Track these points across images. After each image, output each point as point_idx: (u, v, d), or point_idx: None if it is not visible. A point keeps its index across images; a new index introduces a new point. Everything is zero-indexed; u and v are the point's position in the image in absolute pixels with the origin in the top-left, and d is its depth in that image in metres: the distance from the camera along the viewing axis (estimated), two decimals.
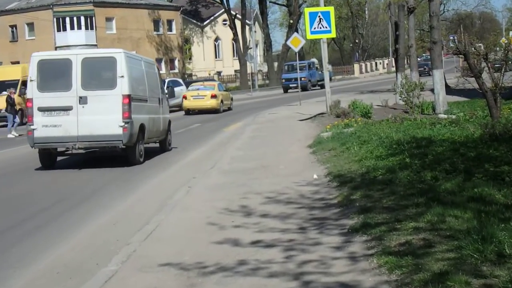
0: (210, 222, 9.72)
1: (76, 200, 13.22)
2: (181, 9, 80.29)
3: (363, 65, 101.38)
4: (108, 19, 68.53)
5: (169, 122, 21.62)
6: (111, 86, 16.97)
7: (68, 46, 64.67)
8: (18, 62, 60.37)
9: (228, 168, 15.42)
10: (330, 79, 68.78)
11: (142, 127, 18.03)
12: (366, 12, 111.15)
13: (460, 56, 19.85)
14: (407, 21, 33.69)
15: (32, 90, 17.12)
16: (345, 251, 7.47)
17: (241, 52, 75.30)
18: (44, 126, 16.94)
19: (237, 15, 79.43)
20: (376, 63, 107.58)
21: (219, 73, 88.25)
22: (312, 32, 26.92)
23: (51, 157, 18.02)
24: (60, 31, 65.90)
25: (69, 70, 17.02)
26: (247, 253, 7.84)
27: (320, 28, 26.64)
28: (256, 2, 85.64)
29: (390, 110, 27.25)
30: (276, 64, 79.05)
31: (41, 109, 17.00)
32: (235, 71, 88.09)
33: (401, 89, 24.36)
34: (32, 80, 17.14)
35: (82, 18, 65.68)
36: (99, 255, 8.75)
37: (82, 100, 16.91)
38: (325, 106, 28.17)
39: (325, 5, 28.74)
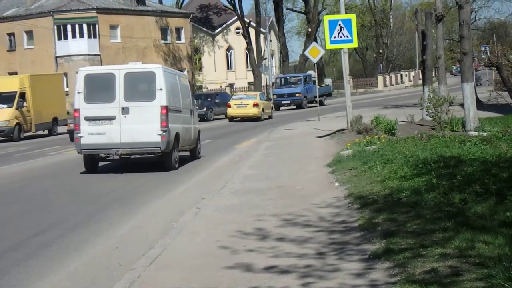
0: (221, 246, 9.75)
1: (73, 223, 13.29)
2: (191, 16, 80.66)
3: (387, 77, 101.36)
4: (112, 27, 68.93)
5: (199, 132, 24.52)
6: (150, 98, 19.96)
7: (69, 56, 65.16)
8: (15, 73, 60.87)
9: (240, 188, 15.46)
10: (330, 94, 68.60)
11: (177, 135, 20.90)
12: (391, 20, 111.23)
13: (493, 68, 19.86)
14: (435, 30, 33.74)
15: (79, 102, 20.12)
16: (366, 278, 7.48)
17: (255, 63, 75.49)
18: (90, 134, 19.97)
19: (251, 23, 79.66)
20: (401, 75, 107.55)
21: (231, 85, 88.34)
22: (332, 42, 26.97)
23: (94, 162, 21.01)
24: (61, 39, 66.31)
25: (113, 83, 20.00)
26: (260, 280, 7.86)
27: (341, 37, 26.69)
28: (272, 9, 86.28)
29: (416, 126, 27.23)
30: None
31: (87, 119, 20.02)
32: (249, 83, 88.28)
33: (428, 104, 24.37)
34: (79, 93, 20.15)
35: (85, 26, 66.09)
36: (100, 282, 8.80)
37: (124, 110, 19.90)
38: (345, 122, 28.18)
39: (346, 12, 28.91)
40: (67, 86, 61.65)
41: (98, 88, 20.22)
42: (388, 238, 8.86)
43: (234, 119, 46.88)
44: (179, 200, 15.18)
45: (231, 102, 47.63)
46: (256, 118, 46.08)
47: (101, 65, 64.13)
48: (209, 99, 52.54)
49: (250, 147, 26.58)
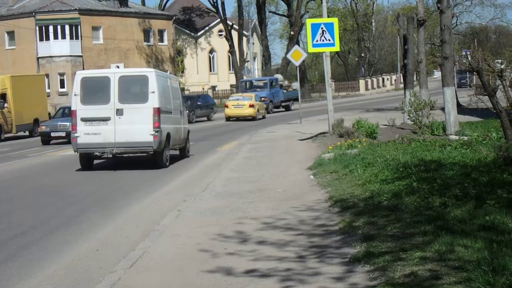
0: (202, 249, 9.74)
1: (53, 225, 13.23)
2: (174, 18, 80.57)
3: (369, 81, 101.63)
4: (95, 28, 68.70)
5: (188, 131, 25.78)
6: (143, 100, 21.24)
7: (51, 57, 64.89)
8: None
9: (221, 191, 15.45)
10: (297, 99, 66.87)
11: (168, 135, 22.19)
12: (373, 24, 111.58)
13: (474, 72, 19.97)
14: (417, 35, 33.88)
15: (76, 103, 21.40)
16: (347, 282, 7.50)
17: (238, 65, 75.54)
18: (86, 134, 21.22)
19: (234, 25, 79.68)
20: (383, 79, 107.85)
21: (213, 87, 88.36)
22: (314, 45, 27.01)
23: (89, 160, 22.22)
24: (42, 40, 65.98)
25: (108, 86, 21.29)
26: (240, 283, 7.86)
27: (323, 40, 26.74)
28: (255, 11, 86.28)
29: (397, 130, 27.34)
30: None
31: (84, 119, 21.24)
32: (231, 85, 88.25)
33: (410, 108, 24.47)
34: (76, 95, 21.45)
35: (67, 27, 65.79)
36: (80, 284, 8.76)
37: (119, 112, 21.18)
38: (327, 125, 28.24)
39: (328, 16, 28.93)
40: (49, 88, 61.41)
41: (94, 90, 21.44)
42: (368, 241, 8.88)
43: (230, 119, 49.41)
44: (161, 202, 15.15)
45: (228, 103, 50.27)
46: (252, 118, 48.58)
47: (83, 66, 64.02)
48: (190, 101, 52.46)
49: (231, 150, 26.58)
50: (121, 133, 21.11)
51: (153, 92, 21.22)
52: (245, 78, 70.87)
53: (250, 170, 19.15)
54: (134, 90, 21.65)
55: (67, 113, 35.81)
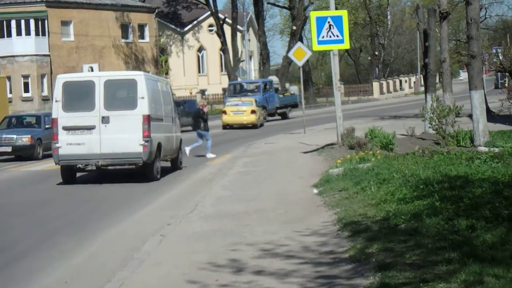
0: (189, 280, 9.73)
1: (19, 250, 13.23)
2: (156, 11, 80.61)
3: (384, 83, 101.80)
4: (64, 23, 68.69)
5: (181, 140, 26.69)
6: (132, 107, 21.80)
7: (13, 57, 64.85)
8: None
9: (212, 212, 15.45)
10: (296, 105, 65.03)
11: (159, 145, 22.82)
12: (389, 17, 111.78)
13: (506, 73, 20.02)
14: (440, 29, 33.93)
15: (57, 110, 21.93)
16: None
17: (231, 66, 75.64)
18: (69, 144, 21.65)
19: (226, 19, 79.83)
20: (400, 81, 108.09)
21: (203, 91, 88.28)
22: (319, 42, 27.04)
23: (72, 172, 22.82)
24: (3, 37, 65.91)
25: (93, 91, 21.86)
26: None
27: (330, 37, 26.77)
28: (251, 3, 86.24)
29: (417, 140, 27.35)
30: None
31: (66, 128, 21.77)
32: (224, 89, 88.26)
33: (431, 115, 24.49)
34: (57, 101, 22.01)
35: (32, 22, 65.75)
36: None
37: (105, 119, 21.72)
38: (335, 135, 28.25)
39: (336, 8, 28.97)
40: (11, 92, 61.40)
41: (77, 96, 22.09)
42: (383, 271, 8.88)
43: (228, 127, 49.47)
44: (142, 225, 15.17)
45: (227, 109, 50.35)
46: (253, 126, 48.85)
47: (50, 67, 64.04)
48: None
49: (225, 164, 26.59)
50: (107, 143, 21.59)
51: (143, 97, 21.80)
52: (239, 79, 70.76)
53: (245, 187, 19.15)
54: (121, 95, 22.33)
55: (14, 123, 35.40)
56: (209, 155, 29.98)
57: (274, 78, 67.14)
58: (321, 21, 26.83)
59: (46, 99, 62.28)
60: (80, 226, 15.50)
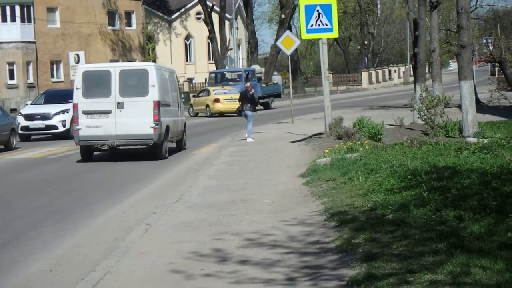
0: (174, 269, 9.73)
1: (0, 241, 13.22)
2: None
3: (374, 73, 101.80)
4: (50, 10, 68.41)
5: (185, 123, 29.68)
6: (143, 94, 24.64)
7: None
8: None
9: (198, 201, 15.45)
10: (279, 95, 65.07)
11: (167, 128, 25.65)
12: (378, 6, 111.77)
13: (496, 64, 20.01)
14: (430, 19, 33.94)
15: (77, 97, 24.77)
16: None
17: (219, 54, 75.51)
18: (88, 127, 24.55)
19: (215, 7, 79.59)
20: (389, 71, 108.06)
21: (190, 80, 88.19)
22: (308, 31, 27.03)
23: (90, 152, 25.71)
24: None
25: (109, 80, 24.71)
26: None
27: (319, 25, 26.75)
28: None
29: (405, 131, 27.40)
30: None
31: (85, 112, 24.61)
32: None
33: (420, 105, 24.47)
34: (77, 88, 24.85)
35: (17, 8, 65.40)
36: None
37: (120, 105, 24.53)
38: (323, 125, 28.24)
39: None
40: None
41: (95, 84, 24.88)
42: (369, 261, 8.89)
43: (216, 115, 51.54)
44: (126, 215, 15.14)
45: (220, 97, 52.15)
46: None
47: (36, 54, 63.85)
48: None
49: (211, 153, 26.60)
50: (122, 126, 24.41)
51: (153, 85, 24.64)
52: (227, 68, 70.61)
53: (232, 177, 19.15)
54: (134, 83, 25.07)
55: None
56: (249, 139, 30.14)
57: (256, 67, 66.64)
58: (310, 9, 26.82)
59: (31, 87, 62.09)
60: (61, 217, 15.47)
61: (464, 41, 24.87)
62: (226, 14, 79.25)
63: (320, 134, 27.98)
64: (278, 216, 13.00)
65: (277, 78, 71.00)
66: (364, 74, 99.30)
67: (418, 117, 26.09)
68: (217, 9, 78.15)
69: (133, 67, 27.10)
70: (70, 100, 34.47)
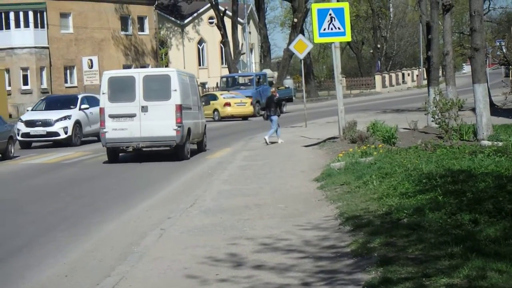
0: (189, 274, 9.72)
1: (14, 246, 13.23)
2: (156, 3, 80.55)
3: (387, 76, 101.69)
4: (63, 15, 68.61)
5: (205, 126, 30.84)
6: (166, 98, 25.84)
7: (12, 49, 64.76)
8: None
9: (212, 206, 15.44)
10: (291, 99, 64.38)
11: (189, 130, 26.90)
12: (391, 9, 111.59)
13: (509, 66, 19.97)
14: (443, 22, 33.89)
15: (104, 101, 26.05)
16: None
17: (232, 59, 75.55)
18: (114, 129, 25.76)
19: (227, 12, 79.70)
20: (403, 74, 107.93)
21: (203, 84, 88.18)
22: (321, 35, 27.02)
23: (116, 153, 26.86)
24: (2, 29, 65.85)
25: (133, 85, 25.91)
26: None
27: (332, 29, 26.75)
28: None
29: (419, 134, 27.33)
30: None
31: (111, 116, 25.83)
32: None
33: (434, 108, 24.43)
34: (104, 93, 26.08)
35: (31, 14, 65.66)
36: None
37: (144, 109, 25.76)
38: (337, 129, 28.23)
39: (338, 0, 28.88)
40: (9, 85, 61.34)
41: (120, 89, 26.04)
42: (385, 266, 8.87)
43: (224, 119, 51.56)
44: (141, 220, 15.15)
45: (230, 101, 52.42)
46: (252, 115, 52.84)
47: (49, 59, 64.06)
48: None
49: (224, 158, 26.61)
50: (146, 128, 25.61)
51: (175, 90, 25.83)
52: (240, 72, 70.62)
53: (245, 181, 19.14)
54: (157, 88, 26.15)
55: None
56: (280, 140, 30.55)
57: (269, 71, 66.44)
58: (322, 13, 26.83)
59: (45, 92, 62.17)
60: (75, 222, 15.48)
61: (478, 44, 24.80)
62: (239, 19, 79.25)
63: (334, 138, 27.97)
64: (292, 221, 12.98)
65: (288, 82, 70.75)
66: (378, 78, 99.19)
67: (432, 121, 26.05)
68: (230, 13, 78.24)
69: (156, 73, 28.58)
70: (72, 106, 34.98)
